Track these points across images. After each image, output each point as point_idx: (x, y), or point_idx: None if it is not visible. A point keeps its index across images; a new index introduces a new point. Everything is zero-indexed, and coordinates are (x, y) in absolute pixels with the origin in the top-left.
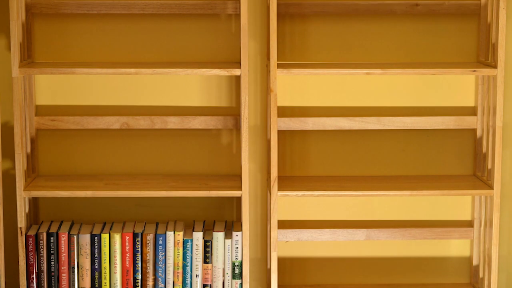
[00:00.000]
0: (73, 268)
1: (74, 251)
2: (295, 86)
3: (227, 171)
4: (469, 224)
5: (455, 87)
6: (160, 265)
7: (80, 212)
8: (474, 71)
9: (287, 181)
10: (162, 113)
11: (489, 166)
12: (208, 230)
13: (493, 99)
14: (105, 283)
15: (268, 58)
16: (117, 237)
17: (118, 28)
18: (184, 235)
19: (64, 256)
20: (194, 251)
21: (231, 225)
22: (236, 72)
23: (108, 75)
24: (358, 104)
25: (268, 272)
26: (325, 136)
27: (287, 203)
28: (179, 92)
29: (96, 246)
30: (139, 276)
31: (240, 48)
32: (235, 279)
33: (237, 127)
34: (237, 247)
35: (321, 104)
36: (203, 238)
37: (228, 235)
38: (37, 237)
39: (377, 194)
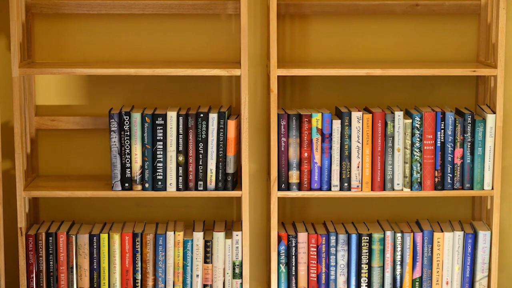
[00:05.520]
0: (72, 268)
1: (72, 251)
2: (295, 86)
3: None
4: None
5: (455, 87)
6: (160, 265)
7: (80, 212)
8: (474, 71)
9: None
10: None
11: None
12: (208, 230)
13: (493, 99)
14: (104, 283)
15: (268, 58)
16: (116, 237)
17: (118, 28)
18: (185, 235)
19: (62, 256)
20: (195, 251)
21: (231, 225)
22: (236, 72)
23: (108, 75)
24: (357, 104)
25: (268, 272)
26: None
27: None
28: (179, 92)
29: (95, 246)
30: (138, 276)
31: (240, 48)
32: (236, 278)
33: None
34: (237, 247)
35: (321, 104)
36: (204, 238)
37: (228, 235)
38: (36, 237)
39: (377, 195)
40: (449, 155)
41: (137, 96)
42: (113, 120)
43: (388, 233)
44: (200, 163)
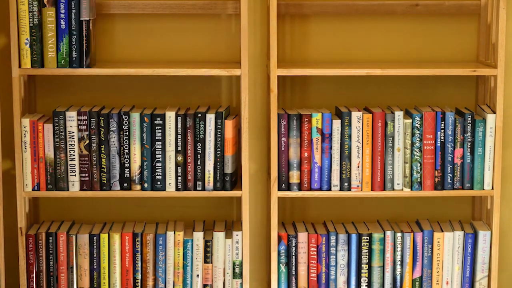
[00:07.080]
0: (72, 268)
1: (72, 251)
2: (295, 86)
3: None
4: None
5: (455, 87)
6: (160, 265)
7: (81, 212)
8: (474, 71)
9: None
10: None
11: None
12: (208, 230)
13: (493, 99)
14: (104, 283)
15: (268, 58)
16: (116, 237)
17: (117, 28)
18: (185, 235)
19: (62, 256)
20: (195, 251)
21: (231, 225)
22: (236, 72)
23: (108, 75)
24: (358, 104)
25: (268, 272)
26: None
27: None
28: (179, 92)
29: (95, 246)
30: (139, 276)
31: (240, 48)
32: (236, 278)
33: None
34: (237, 247)
35: (321, 104)
36: (204, 238)
37: (228, 235)
38: (36, 237)
39: (377, 194)
40: (449, 155)
41: (137, 96)
42: (112, 120)
43: (388, 233)
44: (199, 163)
